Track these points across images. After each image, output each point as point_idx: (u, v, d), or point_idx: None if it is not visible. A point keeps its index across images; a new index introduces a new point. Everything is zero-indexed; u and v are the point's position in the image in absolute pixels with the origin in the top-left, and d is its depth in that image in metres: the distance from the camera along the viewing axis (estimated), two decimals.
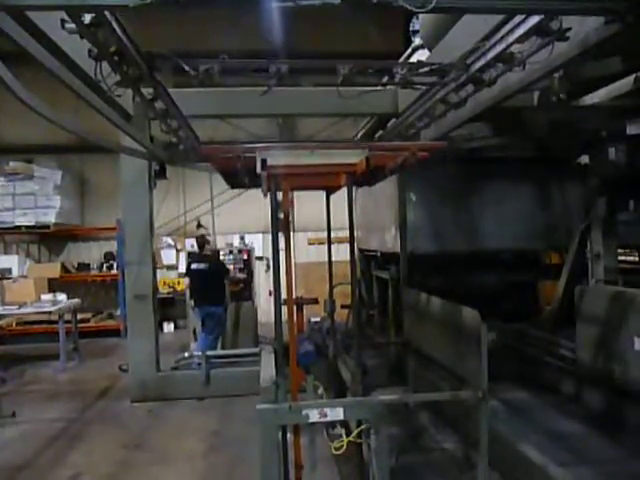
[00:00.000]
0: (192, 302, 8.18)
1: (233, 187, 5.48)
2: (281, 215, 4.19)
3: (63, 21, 2.72)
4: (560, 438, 4.39)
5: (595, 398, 4.99)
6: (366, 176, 3.68)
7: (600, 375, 4.80)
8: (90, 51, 3.02)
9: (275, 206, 3.44)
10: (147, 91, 4.24)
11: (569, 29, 2.95)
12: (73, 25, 2.65)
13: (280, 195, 3.43)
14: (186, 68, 3.40)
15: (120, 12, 2.76)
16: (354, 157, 3.31)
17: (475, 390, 3.63)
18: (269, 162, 3.19)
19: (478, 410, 3.60)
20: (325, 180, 4.13)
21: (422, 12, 2.38)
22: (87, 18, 2.63)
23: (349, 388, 4.77)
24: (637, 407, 4.39)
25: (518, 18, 3.24)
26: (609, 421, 4.63)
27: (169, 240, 12.55)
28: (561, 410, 5.03)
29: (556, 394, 5.45)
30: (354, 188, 5.87)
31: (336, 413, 3.32)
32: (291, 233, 4.46)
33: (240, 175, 4.01)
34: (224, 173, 4.52)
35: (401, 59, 7.68)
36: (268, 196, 3.53)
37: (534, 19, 3.08)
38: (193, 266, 8.15)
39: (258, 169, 3.17)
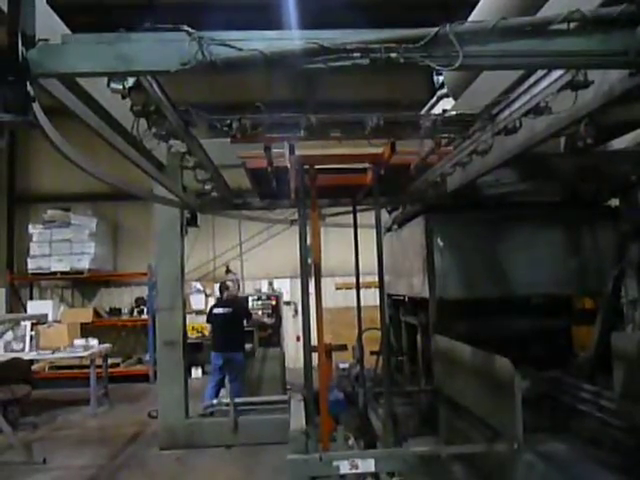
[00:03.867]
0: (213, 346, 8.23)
1: (262, 198, 5.63)
2: (310, 260, 4.25)
3: (109, 80, 2.90)
4: None
5: (636, 450, 4.78)
6: (392, 179, 3.65)
7: None
8: (132, 108, 3.19)
9: (303, 220, 3.48)
10: (181, 143, 4.43)
11: (593, 82, 3.01)
12: (117, 85, 2.83)
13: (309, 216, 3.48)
14: (218, 125, 3.55)
15: (161, 76, 2.94)
16: (379, 147, 3.32)
17: (510, 441, 3.54)
18: (297, 152, 3.23)
19: (513, 462, 3.51)
20: (352, 178, 4.15)
21: (448, 70, 2.48)
22: (130, 81, 2.81)
23: (380, 438, 4.69)
24: None
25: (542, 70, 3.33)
26: None
27: (198, 285, 12.70)
28: (600, 463, 4.83)
29: (595, 446, 5.25)
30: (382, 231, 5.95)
31: (367, 465, 3.28)
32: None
33: (269, 178, 4.08)
34: (253, 174, 4.62)
35: (426, 107, 7.84)
36: (296, 232, 3.61)
37: (559, 71, 3.17)
38: (215, 310, 8.26)
39: (286, 157, 3.20)
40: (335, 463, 3.25)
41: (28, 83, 2.42)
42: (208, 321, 8.55)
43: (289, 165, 3.80)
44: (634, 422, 4.71)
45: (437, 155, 4.85)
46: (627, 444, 4.90)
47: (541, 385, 6.10)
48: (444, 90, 7.20)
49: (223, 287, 8.49)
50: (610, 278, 5.93)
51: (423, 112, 7.25)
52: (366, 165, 4.42)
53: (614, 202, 6.68)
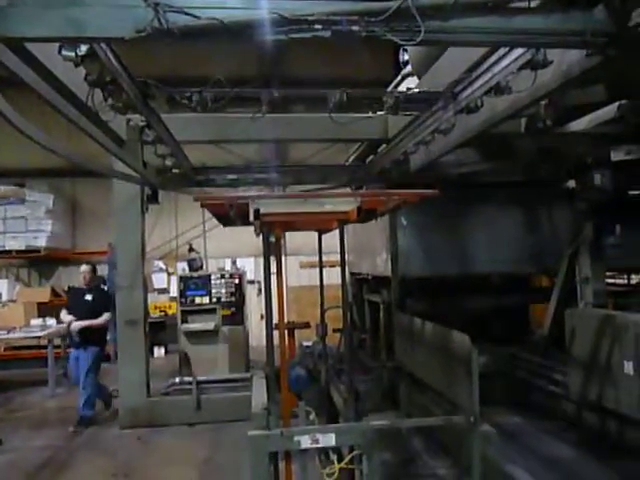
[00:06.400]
0: None
1: (225, 226, 5.41)
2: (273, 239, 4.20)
3: (61, 47, 2.77)
4: (553, 463, 4.39)
5: (587, 421, 4.99)
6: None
7: (591, 398, 4.81)
8: (86, 77, 3.07)
9: (267, 247, 3.47)
10: (140, 117, 4.30)
11: (552, 62, 3.05)
12: (69, 53, 2.71)
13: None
14: (178, 98, 3.45)
15: (116, 43, 2.82)
16: (346, 205, 3.32)
17: (467, 415, 3.63)
18: (262, 211, 3.17)
19: (470, 435, 3.60)
20: (317, 223, 4.16)
21: (410, 45, 2.46)
22: (83, 49, 2.69)
23: (341, 413, 4.75)
24: (628, 430, 4.40)
25: (504, 49, 3.35)
26: (601, 445, 4.63)
27: (160, 264, 12.51)
28: (553, 434, 5.03)
29: (548, 418, 5.45)
30: None
31: (328, 439, 3.31)
32: (283, 258, 4.49)
33: (233, 218, 4.04)
34: (217, 216, 4.53)
35: (391, 86, 7.83)
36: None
37: (519, 50, 3.19)
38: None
39: (251, 218, 3.16)
40: (296, 438, 3.27)
41: None
42: None
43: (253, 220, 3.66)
44: (584, 395, 4.91)
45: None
46: (578, 416, 5.11)
47: (498, 360, 6.29)
48: (408, 69, 7.20)
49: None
50: (565, 257, 6.11)
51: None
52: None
53: (572, 183, 6.85)
